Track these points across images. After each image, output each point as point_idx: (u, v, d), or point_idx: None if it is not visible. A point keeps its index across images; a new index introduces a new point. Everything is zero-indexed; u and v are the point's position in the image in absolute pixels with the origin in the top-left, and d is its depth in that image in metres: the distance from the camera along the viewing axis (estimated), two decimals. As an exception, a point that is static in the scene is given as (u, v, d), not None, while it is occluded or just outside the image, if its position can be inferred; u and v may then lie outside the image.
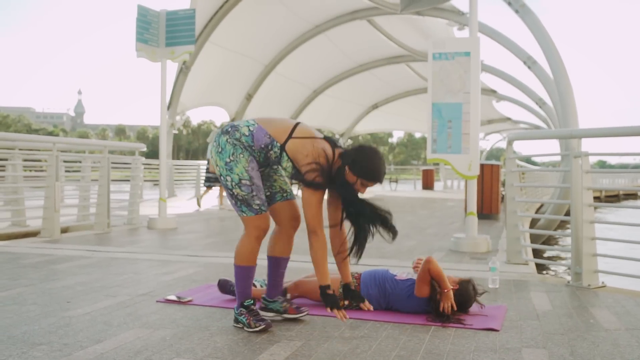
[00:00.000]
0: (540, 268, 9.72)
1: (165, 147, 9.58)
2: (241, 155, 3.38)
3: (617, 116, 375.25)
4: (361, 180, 3.32)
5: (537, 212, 15.73)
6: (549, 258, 13.02)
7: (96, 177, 9.30)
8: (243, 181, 3.37)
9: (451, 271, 5.52)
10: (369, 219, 3.38)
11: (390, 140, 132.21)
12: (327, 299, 3.33)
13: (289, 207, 3.64)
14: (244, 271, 3.48)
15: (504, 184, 10.07)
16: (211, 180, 13.09)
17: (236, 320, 3.48)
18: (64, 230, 8.63)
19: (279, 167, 3.61)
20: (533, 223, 14.56)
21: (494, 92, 26.56)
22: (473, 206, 7.17)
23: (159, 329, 3.41)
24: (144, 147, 10.23)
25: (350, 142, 33.35)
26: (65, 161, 10.11)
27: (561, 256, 12.98)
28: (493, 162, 12.17)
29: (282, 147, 3.38)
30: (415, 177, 35.45)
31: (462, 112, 6.89)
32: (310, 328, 3.46)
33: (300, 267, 5.35)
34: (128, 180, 10.36)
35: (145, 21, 9.11)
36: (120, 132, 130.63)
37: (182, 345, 3.09)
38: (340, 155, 3.37)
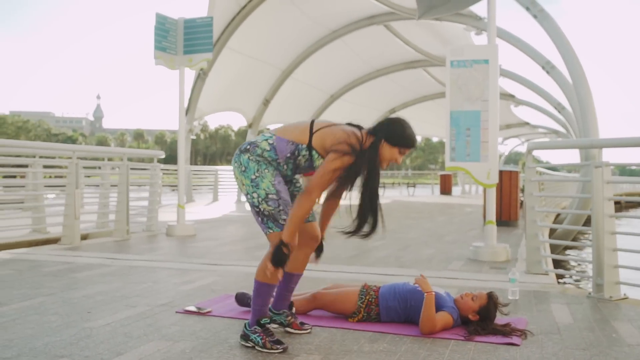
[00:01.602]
0: (560, 278, 9.64)
1: (183, 154, 9.61)
2: (266, 170, 3.32)
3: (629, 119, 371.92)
4: (400, 149, 3.35)
5: (554, 221, 15.59)
6: (568, 268, 12.92)
7: (115, 183, 9.36)
8: (270, 195, 3.29)
9: (471, 281, 5.51)
10: (372, 209, 3.32)
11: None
12: (277, 253, 3.16)
13: (309, 228, 3.54)
14: (264, 288, 3.35)
15: (522, 190, 9.99)
16: None
17: (245, 337, 3.34)
18: (84, 237, 8.69)
19: (301, 177, 3.63)
20: (551, 232, 14.45)
21: (512, 96, 26.38)
22: (492, 215, 7.12)
23: (179, 341, 3.42)
24: (162, 155, 10.26)
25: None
26: (84, 167, 10.17)
27: (581, 267, 12.86)
28: (512, 167, 12.10)
29: (310, 147, 3.34)
30: (433, 182, 35.24)
31: (481, 119, 6.85)
32: (329, 342, 3.45)
33: (317, 277, 5.36)
34: (146, 186, 10.41)
35: (164, 29, 9.14)
36: (139, 136, 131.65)
37: (202, 359, 3.10)
38: (370, 133, 3.39)
